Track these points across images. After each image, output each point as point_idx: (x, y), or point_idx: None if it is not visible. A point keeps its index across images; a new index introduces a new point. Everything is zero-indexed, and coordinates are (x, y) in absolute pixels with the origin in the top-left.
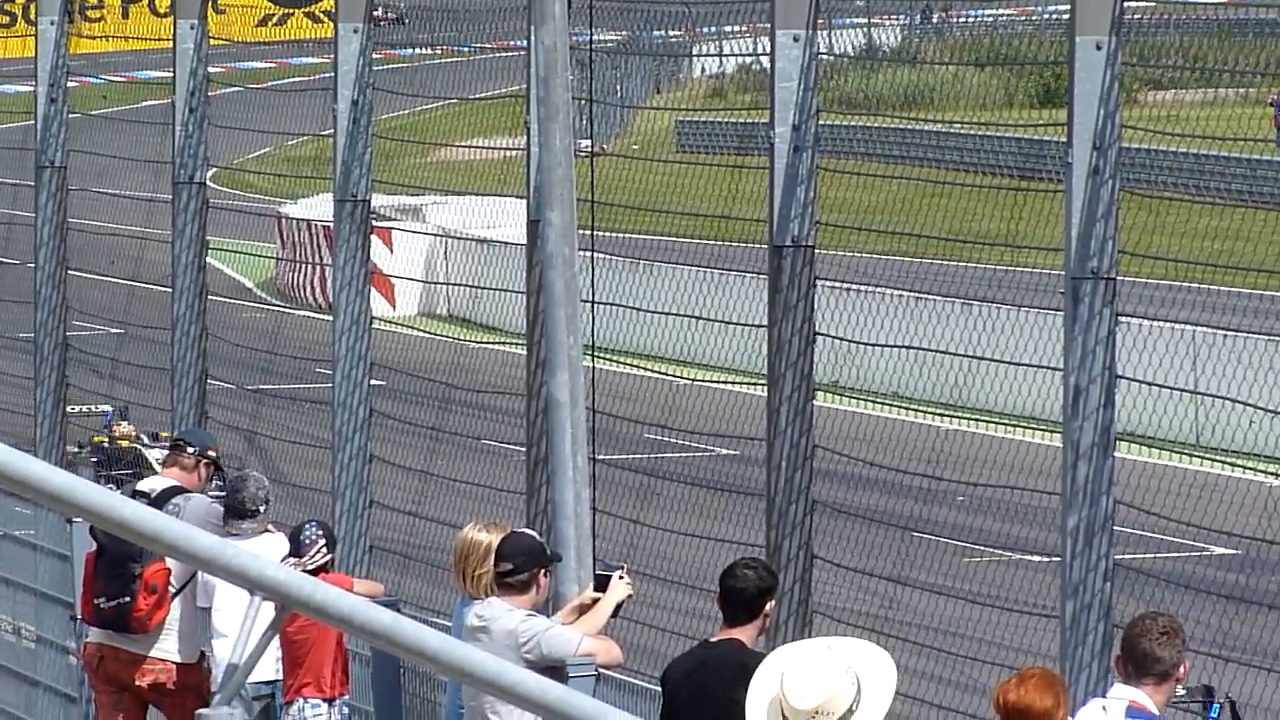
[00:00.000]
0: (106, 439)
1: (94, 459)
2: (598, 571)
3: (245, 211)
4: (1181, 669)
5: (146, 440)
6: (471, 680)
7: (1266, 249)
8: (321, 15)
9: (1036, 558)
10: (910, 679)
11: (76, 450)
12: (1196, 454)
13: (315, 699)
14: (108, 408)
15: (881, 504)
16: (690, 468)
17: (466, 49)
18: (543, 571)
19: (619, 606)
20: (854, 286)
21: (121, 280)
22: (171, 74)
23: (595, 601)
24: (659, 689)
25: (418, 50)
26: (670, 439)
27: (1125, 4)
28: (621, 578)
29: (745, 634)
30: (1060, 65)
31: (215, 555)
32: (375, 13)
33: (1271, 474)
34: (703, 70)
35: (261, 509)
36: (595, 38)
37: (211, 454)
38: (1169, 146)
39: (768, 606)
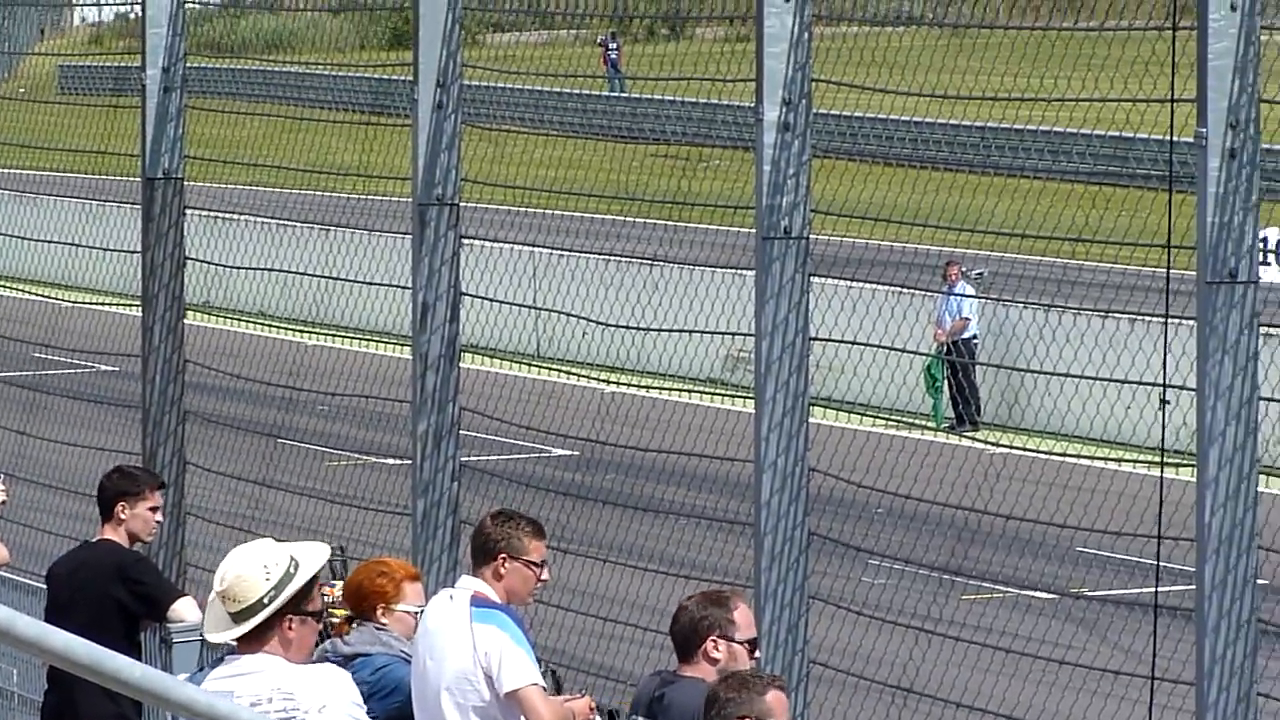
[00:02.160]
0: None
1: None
2: None
3: None
4: (503, 558)
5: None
6: None
7: (598, 175)
8: None
9: (391, 460)
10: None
11: None
12: (537, 363)
13: None
14: None
15: (249, 413)
16: (74, 383)
17: None
18: None
19: None
20: (222, 214)
21: None
22: None
23: None
24: (45, 586)
25: None
26: (55, 357)
27: None
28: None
29: (116, 534)
30: (407, 10)
31: None
32: None
33: (605, 380)
34: (83, 19)
35: None
36: None
37: None
38: (509, 84)
39: (119, 508)
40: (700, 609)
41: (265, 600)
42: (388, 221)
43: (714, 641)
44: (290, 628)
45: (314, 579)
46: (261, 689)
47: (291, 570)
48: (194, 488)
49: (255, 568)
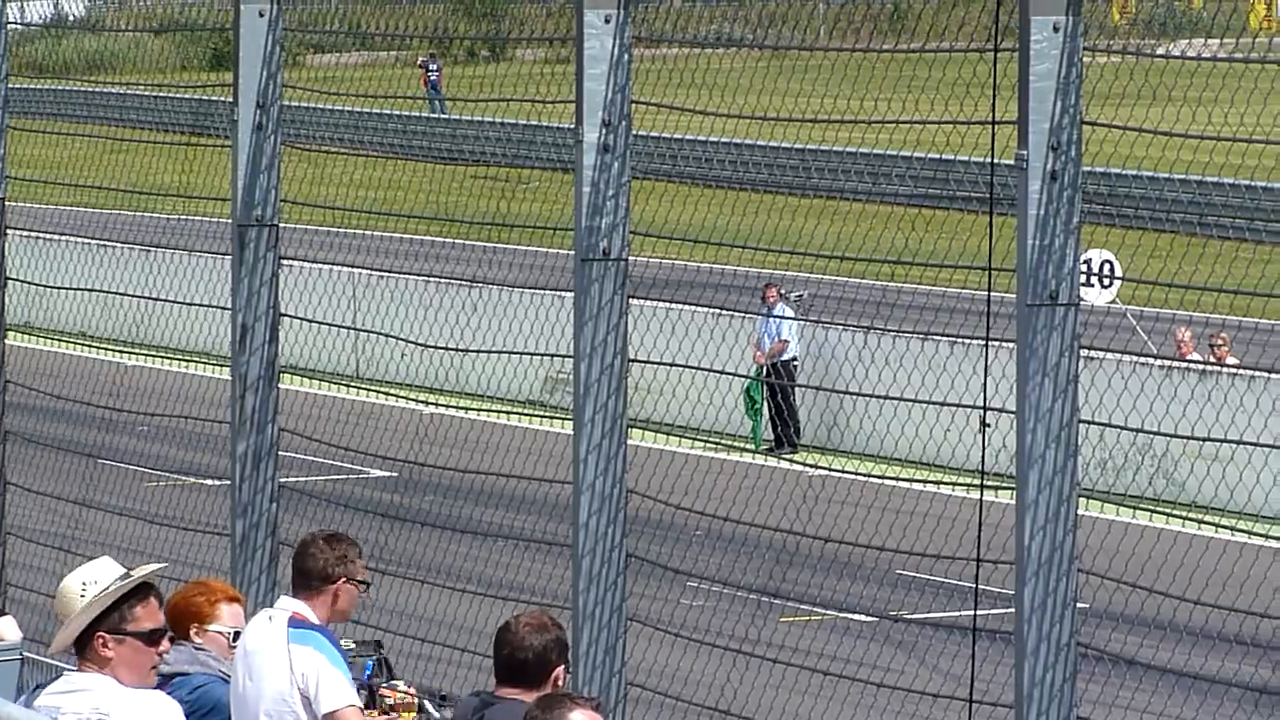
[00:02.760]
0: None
1: None
2: None
3: None
4: (342, 581)
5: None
6: None
7: (417, 196)
8: None
9: (210, 481)
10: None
11: None
12: (356, 384)
13: None
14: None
15: (69, 434)
16: None
17: None
18: None
19: None
20: (43, 235)
21: None
22: None
23: None
24: None
25: None
26: None
27: None
28: None
29: None
30: (228, 31)
31: None
32: None
33: (424, 401)
34: None
35: None
36: None
37: None
38: (329, 105)
39: None
40: (550, 634)
41: (78, 616)
42: (208, 242)
43: (564, 669)
44: (105, 646)
45: (130, 598)
46: (82, 707)
47: (111, 588)
48: (14, 507)
49: (75, 583)
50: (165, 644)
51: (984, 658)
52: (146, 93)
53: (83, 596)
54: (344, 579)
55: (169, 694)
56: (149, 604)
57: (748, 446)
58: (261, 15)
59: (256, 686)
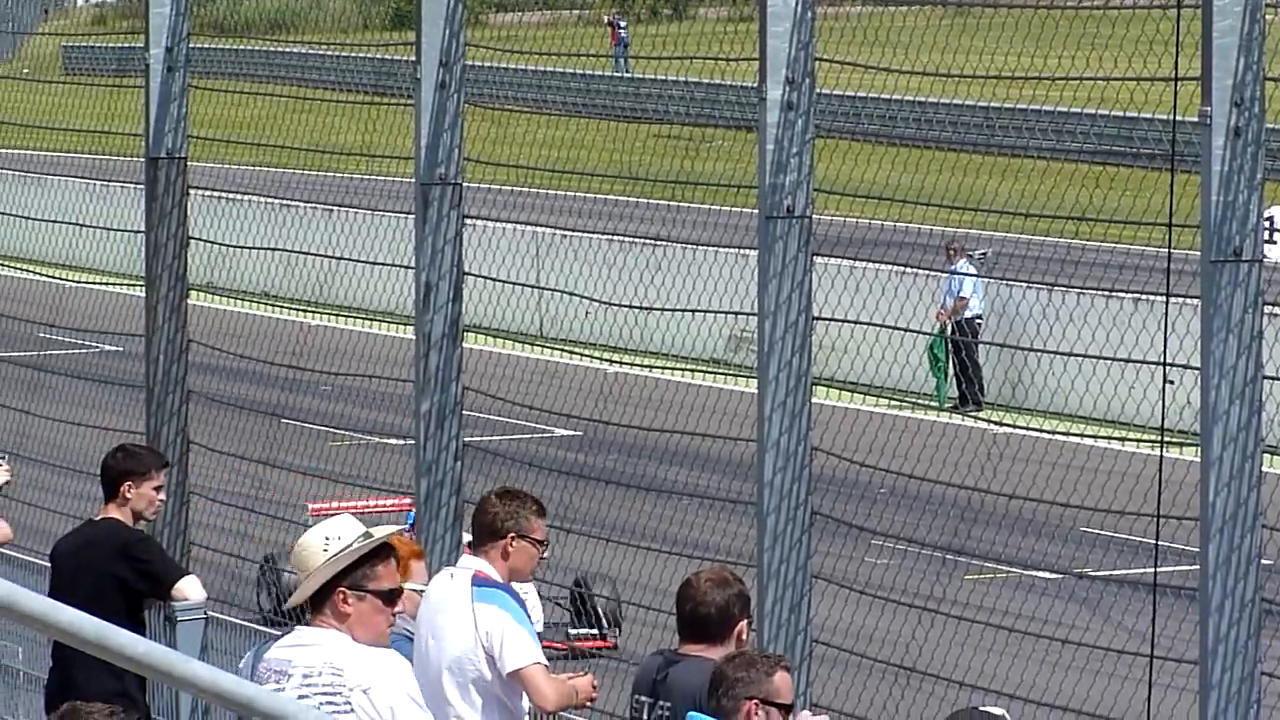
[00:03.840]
0: None
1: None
2: None
3: None
4: (511, 537)
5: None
6: None
7: (601, 155)
8: None
9: (394, 440)
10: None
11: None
12: (540, 343)
13: None
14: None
15: (253, 394)
16: (78, 363)
17: None
18: None
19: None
20: (226, 195)
21: None
22: None
23: None
24: (49, 564)
25: None
26: (59, 337)
27: None
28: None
29: (120, 513)
30: None
31: None
32: None
33: (608, 360)
34: None
35: None
36: None
37: None
38: (512, 64)
39: (124, 487)
40: (731, 588)
41: (321, 569)
42: (391, 201)
43: (748, 624)
44: (345, 602)
45: (373, 557)
46: (315, 661)
47: (355, 546)
48: (197, 467)
49: (318, 538)
50: (400, 604)
51: (1167, 614)
52: (328, 52)
53: (325, 551)
54: (513, 535)
55: None
56: (389, 564)
57: (932, 404)
58: None
59: (439, 645)
